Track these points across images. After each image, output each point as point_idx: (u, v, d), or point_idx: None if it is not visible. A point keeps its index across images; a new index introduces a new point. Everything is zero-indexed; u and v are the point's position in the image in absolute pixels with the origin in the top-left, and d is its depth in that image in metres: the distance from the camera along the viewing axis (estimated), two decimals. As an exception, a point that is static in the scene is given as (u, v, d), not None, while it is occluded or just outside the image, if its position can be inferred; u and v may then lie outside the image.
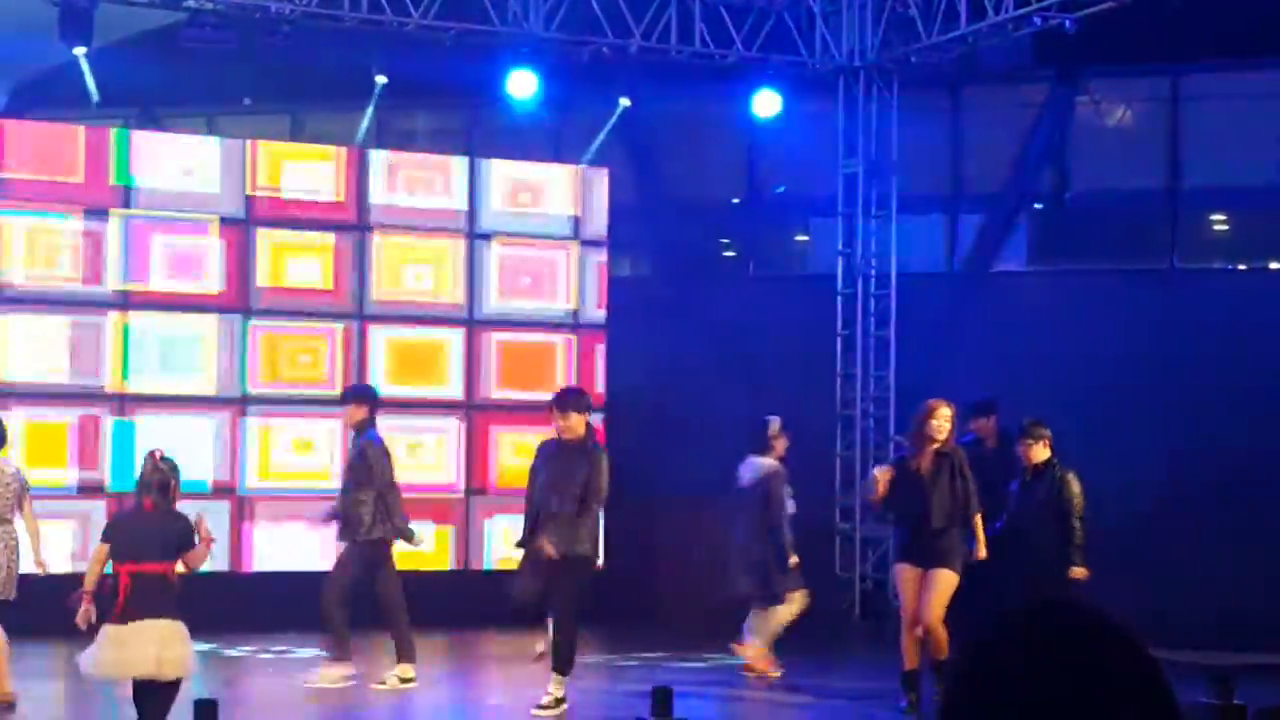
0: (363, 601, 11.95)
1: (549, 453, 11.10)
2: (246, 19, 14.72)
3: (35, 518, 11.06)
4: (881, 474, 11.25)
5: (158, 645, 8.71)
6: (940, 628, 10.68)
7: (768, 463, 12.87)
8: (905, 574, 11.01)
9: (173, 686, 8.84)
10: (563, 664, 10.82)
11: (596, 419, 16.33)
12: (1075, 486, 11.28)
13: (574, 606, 10.90)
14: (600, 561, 10.99)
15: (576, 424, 10.98)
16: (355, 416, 12.21)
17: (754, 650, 12.62)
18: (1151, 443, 15.31)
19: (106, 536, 8.97)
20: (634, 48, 15.72)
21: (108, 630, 8.72)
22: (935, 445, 10.87)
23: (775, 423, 13.16)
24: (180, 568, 8.87)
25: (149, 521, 9.03)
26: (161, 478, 9.03)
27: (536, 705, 10.74)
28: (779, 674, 12.62)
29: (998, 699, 1.83)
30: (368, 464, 11.95)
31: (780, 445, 13.06)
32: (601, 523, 11.86)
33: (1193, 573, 14.69)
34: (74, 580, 9.29)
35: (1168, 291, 16.84)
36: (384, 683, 11.77)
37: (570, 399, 11.27)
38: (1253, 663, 11.71)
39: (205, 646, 12.35)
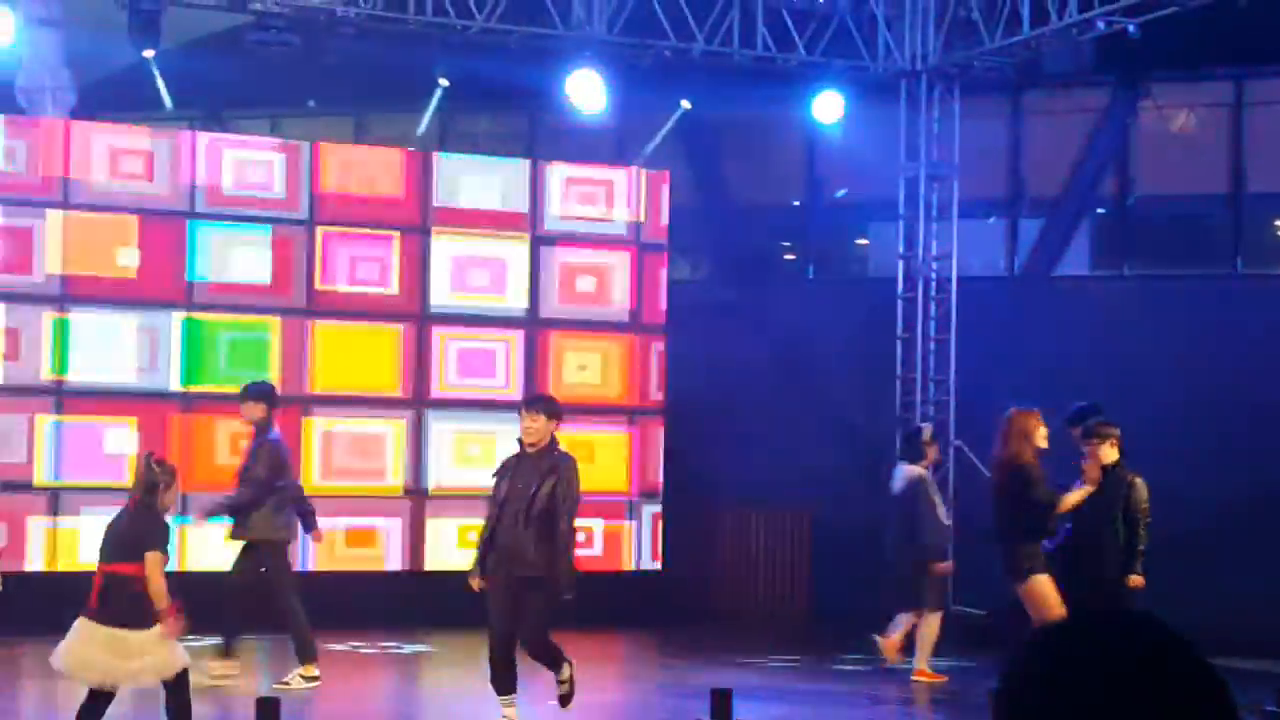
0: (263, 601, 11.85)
1: (509, 464, 10.31)
2: (311, 21, 14.81)
3: None
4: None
5: (124, 658, 8.71)
6: None
7: (918, 470, 13.02)
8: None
9: (171, 686, 8.87)
10: (557, 663, 10.34)
11: (656, 421, 16.47)
12: (1143, 491, 11.07)
13: (542, 633, 10.22)
14: (570, 577, 10.00)
15: (542, 427, 10.15)
16: (254, 414, 12.05)
17: (890, 643, 12.83)
18: (1212, 449, 15.22)
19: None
20: (696, 51, 15.74)
21: (78, 624, 8.72)
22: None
23: (928, 430, 13.41)
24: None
25: (124, 522, 8.97)
26: (150, 478, 9.00)
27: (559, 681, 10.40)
28: (944, 679, 12.69)
29: (1045, 708, 1.83)
30: (267, 464, 11.87)
31: (932, 453, 13.32)
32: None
33: (1259, 579, 14.58)
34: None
35: (1230, 297, 16.74)
36: (287, 683, 11.58)
37: (540, 399, 10.73)
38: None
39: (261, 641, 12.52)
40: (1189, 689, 1.82)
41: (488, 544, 10.12)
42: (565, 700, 10.40)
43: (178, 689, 8.86)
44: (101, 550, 8.93)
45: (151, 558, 8.68)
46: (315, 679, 11.73)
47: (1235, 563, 14.70)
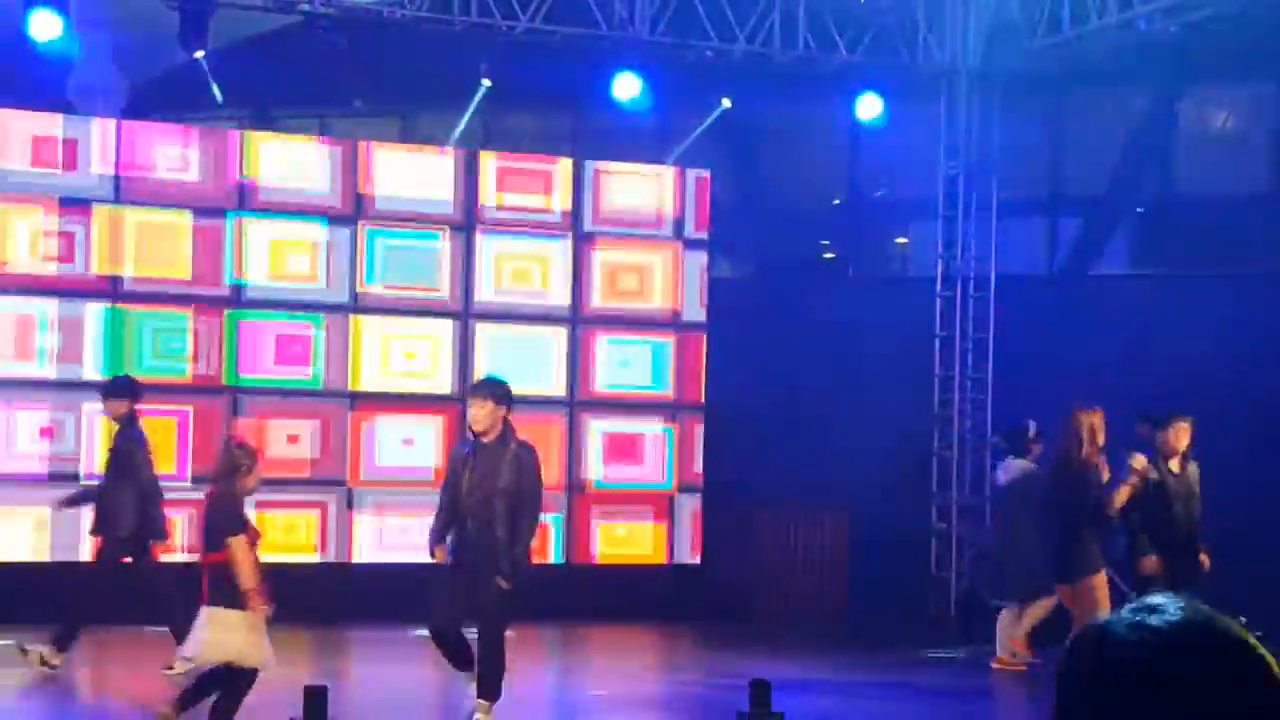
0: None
1: (465, 454, 9.97)
2: (358, 22, 14.94)
3: None
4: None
5: (214, 630, 8.93)
6: None
7: (1024, 464, 13.24)
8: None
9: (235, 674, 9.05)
10: (490, 690, 9.83)
11: (696, 418, 16.56)
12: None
13: (499, 630, 9.88)
14: (521, 567, 9.77)
15: (490, 414, 9.76)
16: (117, 410, 12.08)
17: (1017, 643, 12.98)
18: (1253, 448, 15.20)
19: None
20: (738, 52, 15.82)
21: (200, 613, 8.99)
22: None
23: (1033, 426, 13.43)
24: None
25: (209, 512, 9.20)
26: (229, 460, 9.17)
27: None
28: (1035, 660, 12.84)
29: (1100, 692, 1.80)
30: (128, 459, 11.93)
31: (1037, 448, 13.39)
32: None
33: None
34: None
35: (1272, 296, 16.70)
36: (171, 667, 11.42)
37: (483, 385, 10.20)
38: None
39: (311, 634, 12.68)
40: (1251, 693, 1.77)
41: (445, 526, 9.87)
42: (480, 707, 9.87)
43: (239, 679, 9.02)
44: (204, 539, 9.17)
45: (235, 543, 8.84)
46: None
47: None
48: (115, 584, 12.02)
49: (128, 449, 12.04)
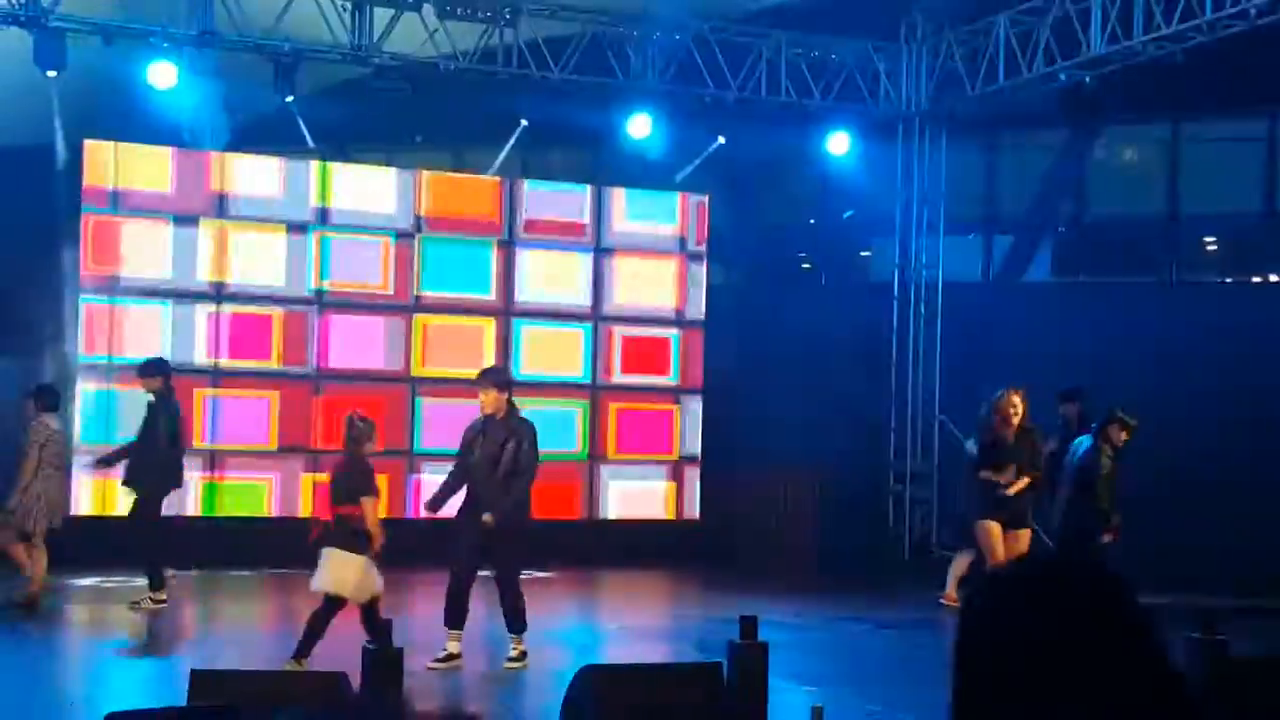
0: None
1: (477, 429, 9.84)
2: (419, 72, 14.92)
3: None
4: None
5: (330, 569, 8.97)
6: None
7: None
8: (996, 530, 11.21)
9: (332, 604, 9.03)
10: (518, 624, 9.73)
11: (696, 399, 16.54)
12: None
13: (516, 571, 9.76)
14: (503, 511, 9.54)
15: (494, 398, 9.66)
16: (151, 385, 12.00)
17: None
18: (1151, 428, 15.16)
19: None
20: (731, 97, 15.78)
21: (323, 553, 9.03)
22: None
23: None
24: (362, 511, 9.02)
25: (342, 472, 9.27)
26: (351, 432, 9.21)
27: (506, 658, 9.74)
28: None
29: (997, 637, 1.77)
30: (153, 426, 11.86)
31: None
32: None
33: (1206, 528, 14.41)
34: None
35: (1169, 301, 16.68)
36: (137, 603, 11.65)
37: (484, 374, 10.01)
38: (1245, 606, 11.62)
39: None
40: (1118, 622, 1.75)
41: (449, 490, 9.78)
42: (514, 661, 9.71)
43: (373, 609, 9.03)
44: (331, 494, 9.19)
45: (366, 502, 8.96)
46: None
47: (1186, 515, 14.55)
48: (164, 532, 12.00)
49: (152, 418, 11.95)
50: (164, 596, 11.78)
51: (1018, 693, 1.74)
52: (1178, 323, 16.00)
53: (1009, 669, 1.75)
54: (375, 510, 9.07)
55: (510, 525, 9.60)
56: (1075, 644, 1.71)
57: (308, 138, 14.73)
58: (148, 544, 11.84)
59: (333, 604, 8.99)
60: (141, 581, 11.86)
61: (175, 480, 12.19)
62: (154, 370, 12.21)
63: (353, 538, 8.96)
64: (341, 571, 8.93)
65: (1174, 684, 1.73)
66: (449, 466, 10.11)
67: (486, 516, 9.49)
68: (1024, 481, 11.27)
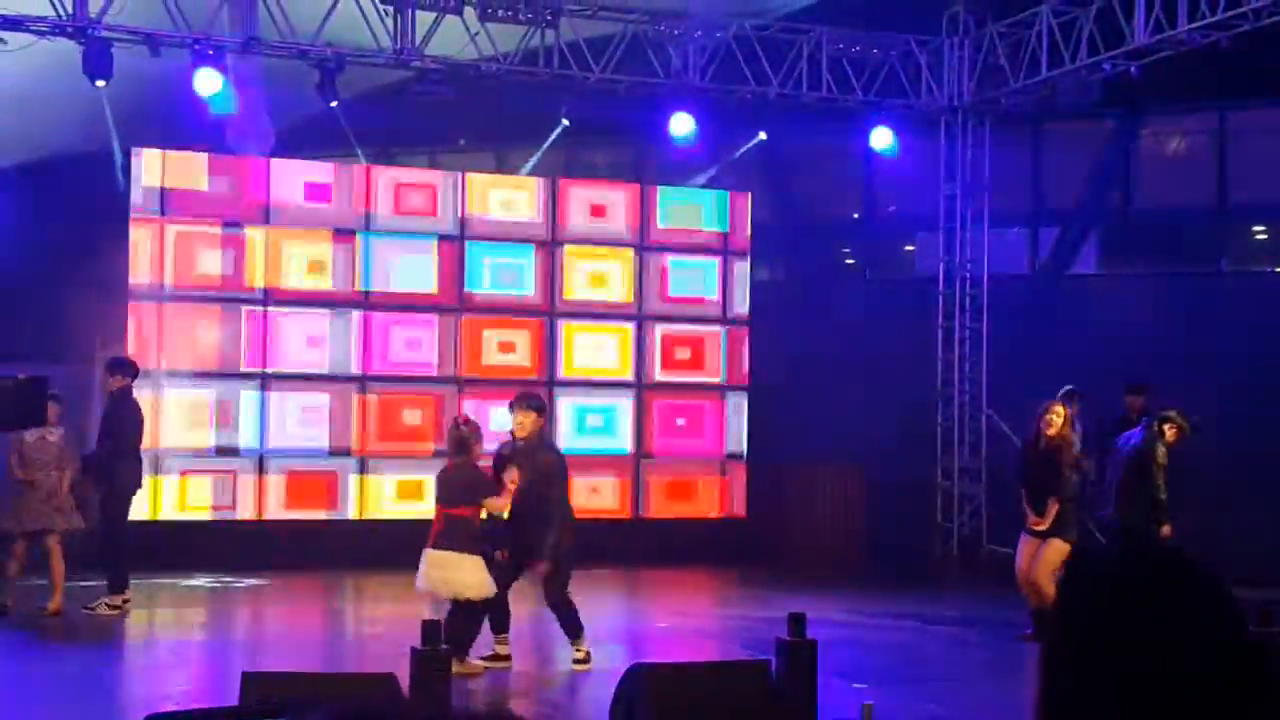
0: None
1: (508, 451, 9.66)
2: (462, 75, 14.95)
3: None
4: None
5: (446, 571, 9.06)
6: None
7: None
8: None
9: (467, 606, 9.13)
10: (575, 632, 9.68)
11: (741, 395, 16.50)
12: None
13: (561, 590, 9.58)
14: (562, 544, 9.43)
15: (531, 423, 9.52)
16: (116, 384, 12.00)
17: None
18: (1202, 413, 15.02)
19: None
20: (772, 94, 15.74)
21: (425, 554, 9.13)
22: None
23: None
24: (483, 513, 9.19)
25: (454, 475, 9.32)
26: (458, 437, 9.31)
27: (573, 660, 9.68)
28: None
29: (1093, 632, 1.74)
30: (116, 426, 11.83)
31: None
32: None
33: (1260, 519, 14.27)
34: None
35: (1216, 291, 16.52)
36: (92, 608, 11.59)
37: (525, 399, 9.82)
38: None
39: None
40: (1208, 610, 1.73)
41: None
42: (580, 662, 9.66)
43: (471, 610, 9.12)
44: (439, 497, 9.27)
45: (492, 502, 9.16)
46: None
47: (1236, 507, 14.41)
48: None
49: (117, 417, 11.94)
50: (120, 601, 11.69)
51: (1110, 686, 1.71)
52: (1227, 314, 15.85)
53: (1101, 660, 1.73)
54: (504, 504, 9.24)
55: (546, 548, 9.50)
56: (1170, 633, 1.70)
57: (357, 149, 14.78)
58: (112, 545, 11.80)
59: (462, 607, 9.11)
60: (172, 583, 11.96)
61: (138, 481, 12.15)
62: (124, 369, 12.23)
63: (466, 539, 9.10)
64: (456, 573, 9.05)
65: (1266, 677, 1.71)
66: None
67: (542, 568, 9.49)
68: (1052, 510, 10.99)
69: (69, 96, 13.87)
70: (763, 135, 16.56)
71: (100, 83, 13.43)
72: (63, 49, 13.41)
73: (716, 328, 16.53)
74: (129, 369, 12.31)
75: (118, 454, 11.85)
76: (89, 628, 11.19)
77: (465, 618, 9.13)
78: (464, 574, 9.06)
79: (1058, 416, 10.89)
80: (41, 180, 16.18)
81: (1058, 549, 10.68)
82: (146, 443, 12.52)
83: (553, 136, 15.71)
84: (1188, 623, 1.70)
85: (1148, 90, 14.87)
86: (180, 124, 14.80)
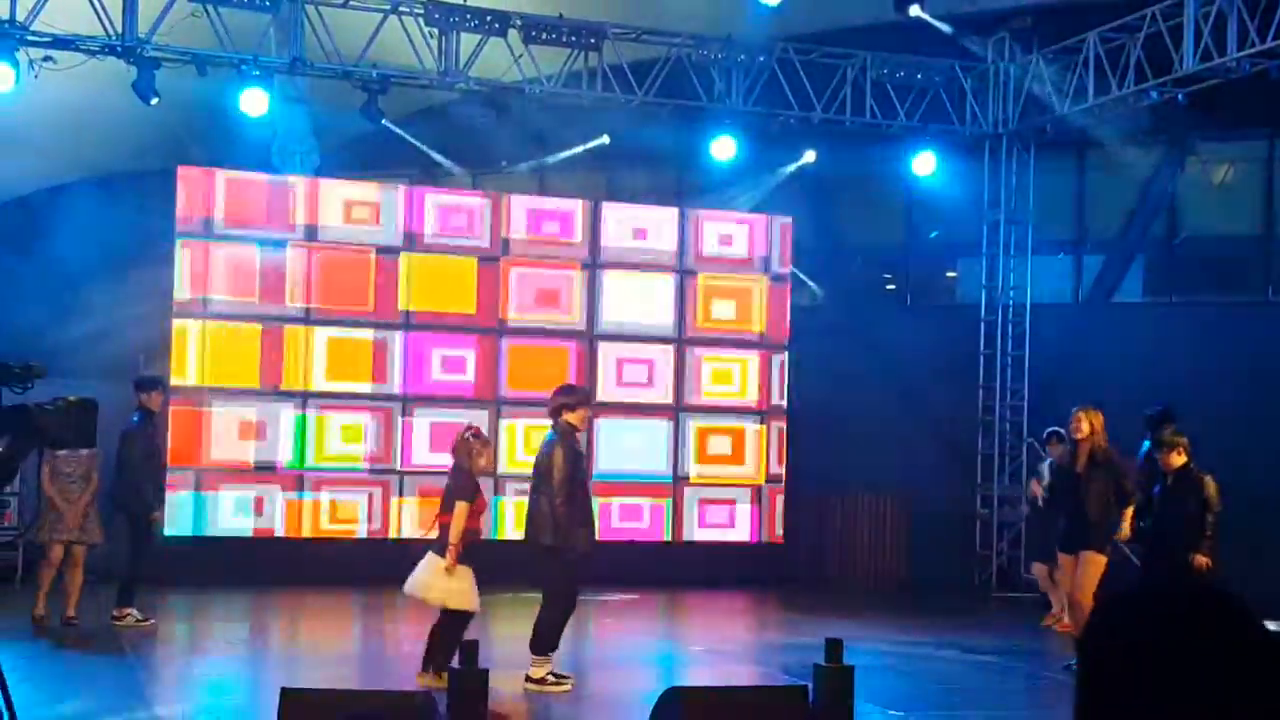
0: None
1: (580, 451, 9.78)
2: (504, 97, 15.06)
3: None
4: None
5: (433, 576, 9.12)
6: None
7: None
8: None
9: (453, 616, 9.17)
10: (539, 645, 9.44)
11: (780, 420, 16.48)
12: (1212, 488, 10.68)
13: (555, 592, 9.46)
14: (570, 546, 9.31)
15: (568, 417, 9.57)
16: (153, 402, 12.13)
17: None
18: (1246, 448, 14.89)
19: None
20: (816, 119, 15.78)
21: (425, 559, 9.23)
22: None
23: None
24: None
25: (449, 482, 9.43)
26: (467, 447, 9.37)
27: (526, 678, 9.47)
28: None
29: (1124, 665, 1.72)
30: (131, 443, 11.88)
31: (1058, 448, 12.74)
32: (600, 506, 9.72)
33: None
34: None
35: (1264, 321, 16.40)
36: (119, 617, 11.75)
37: (582, 392, 10.14)
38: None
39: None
40: (1249, 652, 1.71)
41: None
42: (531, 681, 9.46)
43: (456, 620, 9.14)
44: (441, 504, 9.39)
45: (459, 507, 9.14)
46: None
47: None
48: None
49: (141, 436, 12.01)
50: (126, 613, 11.85)
51: (1144, 714, 1.71)
52: (1275, 345, 15.73)
53: (1134, 694, 1.72)
54: (463, 515, 9.12)
55: (548, 545, 9.43)
56: (1202, 666, 1.69)
57: (444, 161, 14.87)
58: (136, 562, 11.94)
59: (449, 616, 9.14)
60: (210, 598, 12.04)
61: (149, 506, 12.19)
62: (155, 386, 12.36)
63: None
64: (441, 578, 9.06)
65: None
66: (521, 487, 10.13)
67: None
68: (1127, 521, 10.83)
69: (123, 113, 14.04)
70: (811, 154, 16.60)
71: (154, 100, 13.58)
72: (118, 68, 13.58)
73: (756, 352, 16.53)
74: (153, 384, 12.37)
75: (123, 481, 11.94)
76: (124, 639, 11.29)
77: (450, 627, 9.10)
78: (450, 581, 9.06)
79: (1083, 421, 10.77)
80: (98, 195, 16.39)
81: (1094, 561, 10.50)
82: (187, 460, 12.61)
83: (591, 144, 15.81)
84: (1219, 659, 1.70)
85: (1195, 117, 14.81)
86: (228, 144, 14.96)
